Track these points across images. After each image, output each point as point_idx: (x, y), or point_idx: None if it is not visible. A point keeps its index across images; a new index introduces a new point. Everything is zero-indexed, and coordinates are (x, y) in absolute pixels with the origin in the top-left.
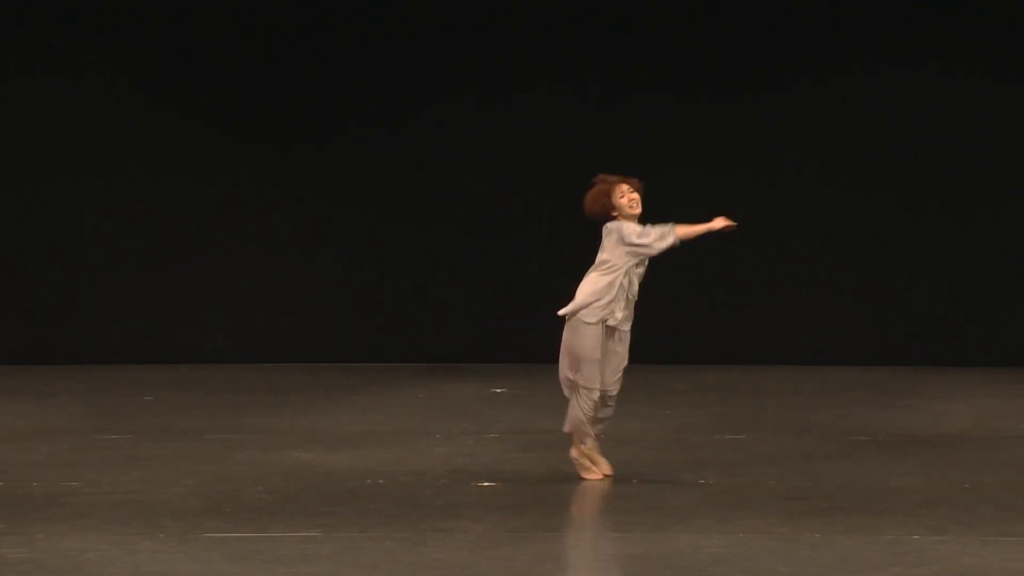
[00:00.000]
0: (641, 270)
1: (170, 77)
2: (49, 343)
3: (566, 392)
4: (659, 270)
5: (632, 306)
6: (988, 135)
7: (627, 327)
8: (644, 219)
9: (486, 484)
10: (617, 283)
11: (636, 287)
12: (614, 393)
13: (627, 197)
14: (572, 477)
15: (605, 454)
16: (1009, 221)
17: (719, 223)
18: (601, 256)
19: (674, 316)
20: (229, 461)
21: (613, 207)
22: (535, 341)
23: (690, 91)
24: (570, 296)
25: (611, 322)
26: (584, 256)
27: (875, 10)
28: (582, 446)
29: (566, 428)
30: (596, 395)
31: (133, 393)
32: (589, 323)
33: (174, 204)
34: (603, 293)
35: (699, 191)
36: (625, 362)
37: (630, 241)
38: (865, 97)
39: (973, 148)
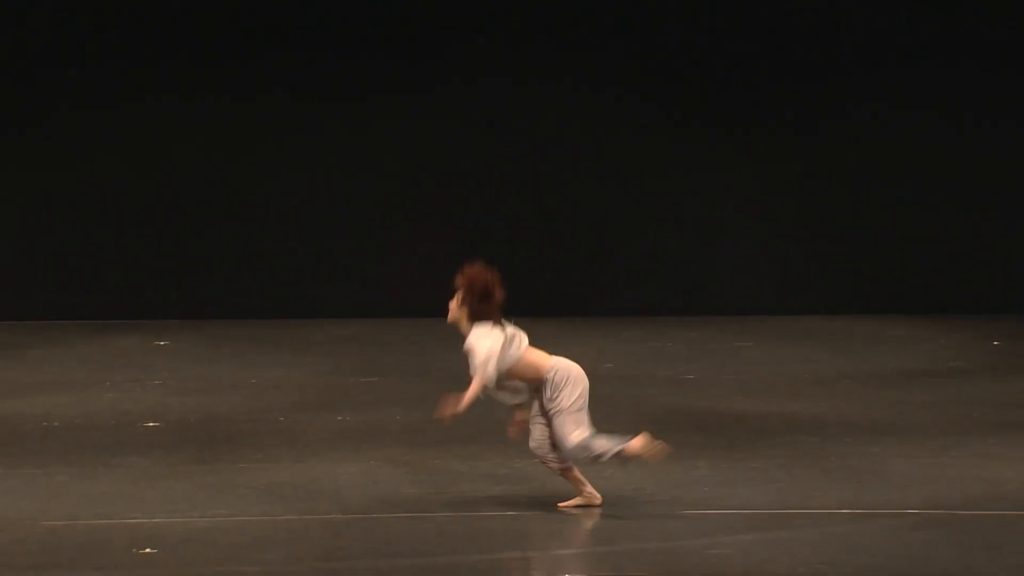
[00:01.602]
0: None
1: None
2: None
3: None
4: (292, 232)
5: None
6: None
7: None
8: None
9: (150, 424)
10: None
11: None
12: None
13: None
14: (223, 417)
15: None
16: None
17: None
18: None
19: (310, 273)
20: None
21: None
22: (196, 299)
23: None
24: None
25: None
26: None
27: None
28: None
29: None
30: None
31: None
32: None
33: None
34: None
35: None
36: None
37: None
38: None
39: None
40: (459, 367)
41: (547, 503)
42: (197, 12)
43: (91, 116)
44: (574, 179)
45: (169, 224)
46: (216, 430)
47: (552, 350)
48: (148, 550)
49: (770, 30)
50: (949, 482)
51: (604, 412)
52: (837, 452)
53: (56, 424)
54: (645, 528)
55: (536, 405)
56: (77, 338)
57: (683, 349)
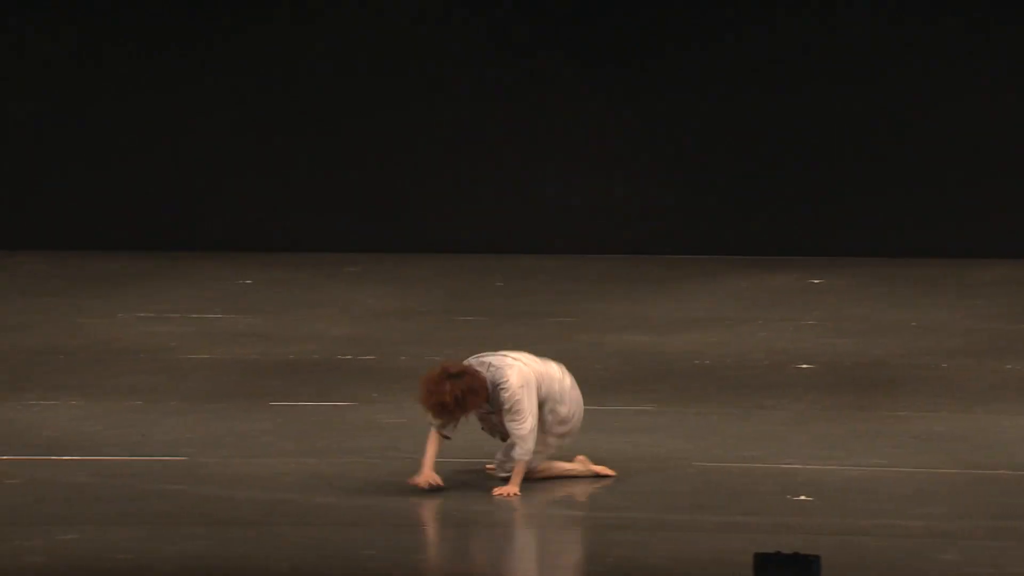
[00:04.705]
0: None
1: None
2: (397, 233)
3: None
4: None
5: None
6: None
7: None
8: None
9: (804, 366)
10: None
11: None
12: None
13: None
14: (880, 361)
15: None
16: None
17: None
18: None
19: (969, 212)
20: (570, 342)
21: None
22: (844, 236)
23: None
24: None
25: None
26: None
27: None
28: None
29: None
30: None
31: (482, 280)
32: None
33: (494, 118)
34: None
35: None
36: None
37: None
38: None
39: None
40: None
41: None
42: None
43: (705, 51)
44: None
45: (814, 158)
46: (873, 374)
47: None
48: (803, 497)
49: None
50: None
51: None
52: None
53: (708, 362)
54: None
55: None
56: (729, 273)
57: None
